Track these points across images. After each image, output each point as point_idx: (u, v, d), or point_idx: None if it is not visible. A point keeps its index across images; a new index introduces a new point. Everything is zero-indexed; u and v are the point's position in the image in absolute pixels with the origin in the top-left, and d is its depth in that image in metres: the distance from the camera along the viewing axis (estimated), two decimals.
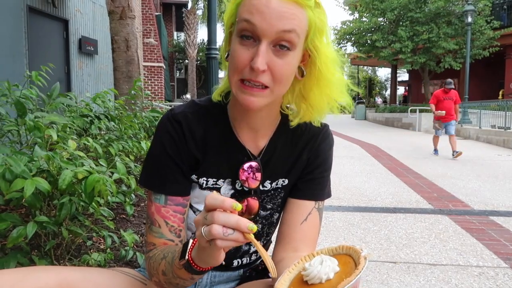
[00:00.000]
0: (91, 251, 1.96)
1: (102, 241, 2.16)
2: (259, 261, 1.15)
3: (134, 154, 2.56)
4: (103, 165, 1.61)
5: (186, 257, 0.76)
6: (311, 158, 1.02)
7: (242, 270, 1.12)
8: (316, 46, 0.87)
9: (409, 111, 16.99)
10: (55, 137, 1.49)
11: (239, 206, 0.67)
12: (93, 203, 1.55)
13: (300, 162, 1.02)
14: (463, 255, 2.87)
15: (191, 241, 0.77)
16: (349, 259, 0.67)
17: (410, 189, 5.12)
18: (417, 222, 3.68)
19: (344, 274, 0.63)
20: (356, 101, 28.80)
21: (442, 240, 3.20)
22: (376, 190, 5.09)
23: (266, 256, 0.70)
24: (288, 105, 0.99)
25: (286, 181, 1.02)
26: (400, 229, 3.47)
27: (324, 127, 1.04)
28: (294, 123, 0.97)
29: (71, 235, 1.63)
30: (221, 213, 0.66)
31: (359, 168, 6.74)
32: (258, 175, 0.98)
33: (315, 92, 0.92)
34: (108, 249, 1.93)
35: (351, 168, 6.77)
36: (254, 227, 0.66)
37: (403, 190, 5.11)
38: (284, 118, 1.00)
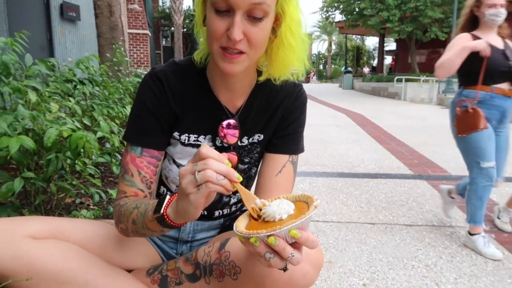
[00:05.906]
0: (80, 209, 2.01)
1: (90, 201, 2.22)
2: (238, 212, 1.23)
3: (120, 118, 2.58)
4: (87, 124, 1.64)
5: (162, 211, 0.81)
6: (285, 115, 1.08)
7: (222, 219, 1.20)
8: (283, 8, 0.91)
9: (395, 80, 17.07)
10: (33, 99, 1.52)
11: (229, 163, 0.74)
12: (80, 163, 1.59)
13: (275, 119, 1.08)
14: (438, 217, 3.01)
15: (168, 197, 0.82)
16: (305, 206, 0.76)
17: (392, 156, 5.25)
18: (397, 187, 3.82)
19: (295, 217, 0.72)
20: (344, 71, 28.76)
21: (419, 203, 3.33)
22: (359, 157, 5.22)
23: (250, 198, 0.79)
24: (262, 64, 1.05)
25: (262, 137, 1.09)
26: (381, 193, 3.60)
27: (298, 86, 1.10)
28: (262, 78, 1.03)
29: (59, 192, 1.68)
30: (214, 161, 0.72)
31: (344, 136, 6.85)
32: (236, 132, 1.05)
33: (280, 51, 0.96)
34: (96, 206, 1.99)
35: (336, 136, 6.88)
36: (240, 177, 0.74)
37: (386, 156, 5.24)
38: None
